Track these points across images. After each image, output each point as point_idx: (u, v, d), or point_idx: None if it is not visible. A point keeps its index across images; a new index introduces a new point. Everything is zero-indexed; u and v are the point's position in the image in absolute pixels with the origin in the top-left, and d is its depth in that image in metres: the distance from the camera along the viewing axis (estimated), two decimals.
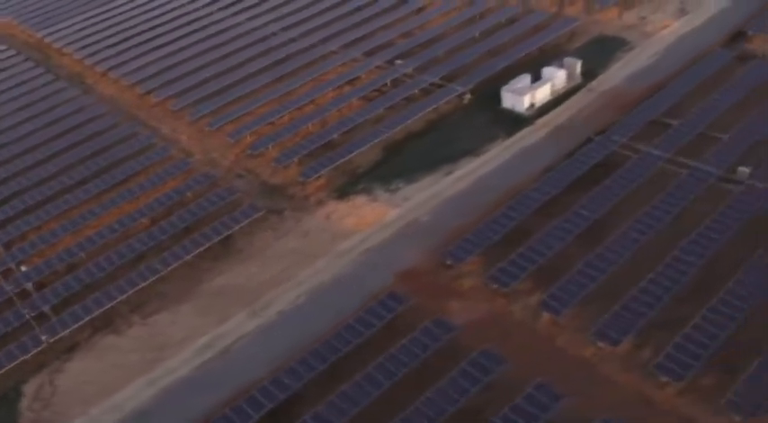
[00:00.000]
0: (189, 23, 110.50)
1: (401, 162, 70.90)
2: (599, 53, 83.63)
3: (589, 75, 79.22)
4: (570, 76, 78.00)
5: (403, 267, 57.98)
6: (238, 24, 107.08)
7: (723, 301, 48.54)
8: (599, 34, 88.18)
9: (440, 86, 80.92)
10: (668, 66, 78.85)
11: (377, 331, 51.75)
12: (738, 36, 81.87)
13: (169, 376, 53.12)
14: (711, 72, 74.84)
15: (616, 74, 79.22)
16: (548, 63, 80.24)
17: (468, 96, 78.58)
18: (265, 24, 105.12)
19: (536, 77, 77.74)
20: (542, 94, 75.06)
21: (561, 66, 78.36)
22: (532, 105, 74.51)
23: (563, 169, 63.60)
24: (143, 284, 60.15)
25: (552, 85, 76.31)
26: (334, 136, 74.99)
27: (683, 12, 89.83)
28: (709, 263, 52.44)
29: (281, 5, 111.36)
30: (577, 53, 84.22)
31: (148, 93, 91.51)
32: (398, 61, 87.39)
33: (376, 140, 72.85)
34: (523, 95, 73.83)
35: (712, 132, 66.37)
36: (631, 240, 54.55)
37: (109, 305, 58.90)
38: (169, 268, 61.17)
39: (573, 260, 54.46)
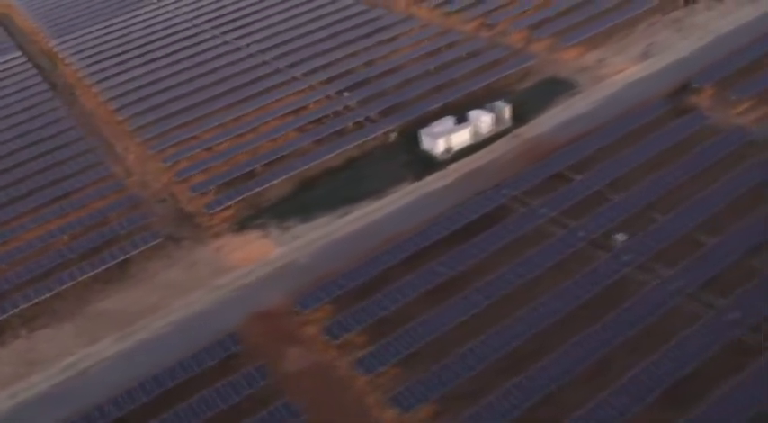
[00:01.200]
0: (179, 41, 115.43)
1: (307, 199, 72.77)
2: (542, 96, 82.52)
3: (521, 119, 78.47)
4: (499, 121, 77.46)
5: (261, 308, 60.10)
6: (225, 43, 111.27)
7: (530, 377, 48.19)
8: (551, 75, 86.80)
9: (373, 122, 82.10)
10: (604, 115, 77.02)
11: (207, 369, 54.25)
12: (686, 87, 79.03)
13: (29, 391, 57.54)
14: (638, 125, 72.74)
15: (548, 120, 78.07)
16: (491, 102, 79.91)
17: (393, 134, 79.44)
18: (248, 45, 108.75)
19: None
20: (460, 138, 74.99)
21: (491, 109, 77.92)
22: (449, 149, 74.58)
23: (444, 221, 63.86)
24: (35, 300, 64.93)
25: (476, 129, 76.07)
26: (257, 166, 77.67)
27: (645, 56, 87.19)
28: (536, 335, 51.90)
29: (275, 24, 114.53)
30: (524, 94, 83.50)
31: (117, 110, 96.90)
32: (346, 93, 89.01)
33: (290, 174, 75.01)
34: (438, 138, 74.08)
35: (609, 191, 64.88)
36: (472, 303, 54.60)
37: (2, 317, 64.01)
38: (62, 287, 65.71)
39: (412, 317, 55.08)
